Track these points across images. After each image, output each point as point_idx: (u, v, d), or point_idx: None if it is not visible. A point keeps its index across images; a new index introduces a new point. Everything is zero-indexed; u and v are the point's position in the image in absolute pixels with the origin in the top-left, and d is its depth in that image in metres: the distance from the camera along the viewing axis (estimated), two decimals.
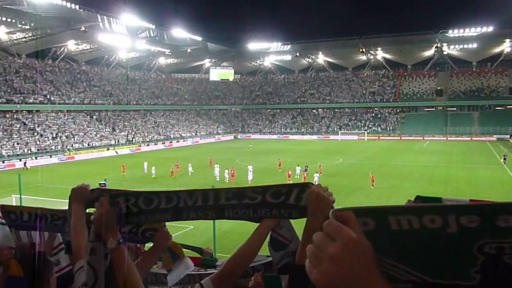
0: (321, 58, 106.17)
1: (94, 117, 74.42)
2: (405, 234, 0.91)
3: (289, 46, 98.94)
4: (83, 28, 67.75)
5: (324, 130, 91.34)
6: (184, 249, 4.24)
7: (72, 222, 2.38)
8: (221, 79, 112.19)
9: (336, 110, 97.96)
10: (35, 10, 57.70)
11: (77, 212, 2.37)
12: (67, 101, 71.50)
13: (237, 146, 71.92)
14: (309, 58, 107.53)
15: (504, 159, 43.63)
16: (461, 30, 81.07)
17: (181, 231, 20.11)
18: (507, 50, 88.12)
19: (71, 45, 79.90)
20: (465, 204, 0.90)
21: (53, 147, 58.04)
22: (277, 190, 1.97)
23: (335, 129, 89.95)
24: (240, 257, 2.20)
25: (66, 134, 63.00)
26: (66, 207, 2.54)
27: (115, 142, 67.62)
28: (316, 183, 1.93)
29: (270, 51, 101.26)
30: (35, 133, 59.74)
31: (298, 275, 1.71)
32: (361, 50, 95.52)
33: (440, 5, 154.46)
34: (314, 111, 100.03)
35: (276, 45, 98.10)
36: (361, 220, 0.91)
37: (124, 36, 74.70)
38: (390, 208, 0.93)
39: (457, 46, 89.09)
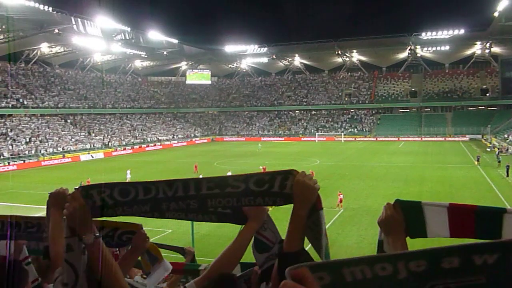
0: (297, 61, 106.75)
1: (69, 121, 73.11)
2: (359, 284, 0.94)
3: (265, 49, 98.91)
4: (56, 31, 66.51)
5: (301, 132, 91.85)
6: (165, 250, 4.16)
7: (50, 228, 2.29)
8: (198, 82, 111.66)
9: (313, 112, 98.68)
10: (7, 12, 56.29)
11: (55, 218, 2.28)
12: (40, 105, 70.06)
13: (214, 149, 71.68)
14: (285, 60, 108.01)
15: (478, 160, 44.67)
16: (434, 33, 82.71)
17: (159, 235, 19.95)
18: (478, 52, 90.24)
19: (45, 48, 78.24)
20: (411, 251, 0.97)
21: (27, 152, 56.79)
22: (260, 178, 1.93)
23: (312, 131, 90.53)
24: (225, 260, 2.17)
25: (40, 138, 61.73)
26: (41, 214, 2.45)
27: (90, 146, 66.53)
28: None
29: (246, 53, 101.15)
30: (8, 138, 58.31)
31: (286, 261, 1.74)
32: (337, 52, 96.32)
33: (414, 8, 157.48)
34: (291, 113, 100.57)
35: (252, 48, 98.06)
36: (317, 275, 0.93)
37: (99, 39, 73.59)
38: (343, 261, 0.96)
39: (430, 49, 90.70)
